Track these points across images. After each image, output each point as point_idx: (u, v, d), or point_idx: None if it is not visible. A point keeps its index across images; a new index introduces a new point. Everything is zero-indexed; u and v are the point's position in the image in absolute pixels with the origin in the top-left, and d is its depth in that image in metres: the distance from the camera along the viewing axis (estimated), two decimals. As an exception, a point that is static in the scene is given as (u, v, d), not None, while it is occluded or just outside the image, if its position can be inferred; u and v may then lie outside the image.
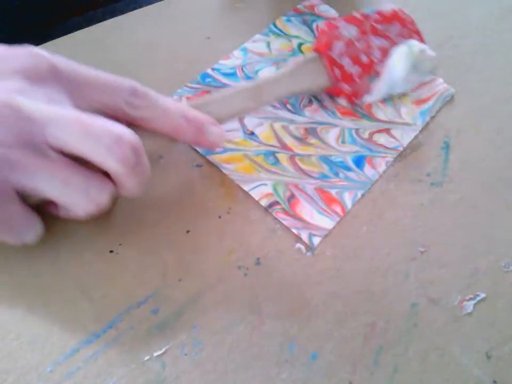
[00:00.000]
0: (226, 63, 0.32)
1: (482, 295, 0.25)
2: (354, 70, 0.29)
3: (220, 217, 0.26)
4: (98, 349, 0.22)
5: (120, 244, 0.24)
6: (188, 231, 0.25)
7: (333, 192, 0.27)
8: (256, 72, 0.32)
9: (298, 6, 0.36)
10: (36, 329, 0.22)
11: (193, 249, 0.25)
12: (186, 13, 0.35)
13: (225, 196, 0.27)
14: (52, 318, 0.22)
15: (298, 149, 0.29)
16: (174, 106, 0.23)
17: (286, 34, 0.34)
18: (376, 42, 0.29)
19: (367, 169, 0.28)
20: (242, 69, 0.32)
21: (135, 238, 0.25)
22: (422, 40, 0.31)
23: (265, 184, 0.27)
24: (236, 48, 0.33)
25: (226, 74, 0.31)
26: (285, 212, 0.26)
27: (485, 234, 0.27)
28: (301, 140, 0.29)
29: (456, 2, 0.39)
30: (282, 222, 0.26)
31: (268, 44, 0.34)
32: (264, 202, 0.26)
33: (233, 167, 0.28)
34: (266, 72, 0.32)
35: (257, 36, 0.34)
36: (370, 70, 0.29)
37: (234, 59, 0.32)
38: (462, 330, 0.24)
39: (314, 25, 0.35)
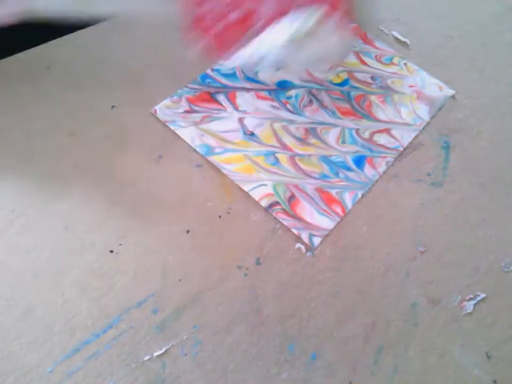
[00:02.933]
0: (226, 64, 0.32)
1: (482, 295, 0.25)
2: (224, 20, 0.23)
3: (220, 217, 0.26)
4: (98, 349, 0.22)
5: (120, 244, 0.24)
6: (188, 231, 0.25)
7: (333, 192, 0.27)
8: (256, 72, 0.32)
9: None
10: (36, 329, 0.22)
11: (193, 249, 0.25)
12: (186, 13, 0.35)
13: (225, 195, 0.27)
14: (52, 318, 0.22)
15: (298, 149, 0.29)
16: None
17: (286, 35, 0.34)
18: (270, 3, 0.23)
19: (367, 169, 0.28)
20: (242, 70, 0.32)
21: (135, 238, 0.25)
22: (339, 21, 0.24)
23: (265, 185, 0.27)
24: (236, 48, 0.33)
25: (226, 75, 0.31)
26: (285, 212, 0.26)
27: (485, 234, 0.27)
28: (301, 140, 0.29)
29: (456, 2, 0.39)
30: (283, 222, 0.26)
31: (268, 44, 0.34)
32: (264, 203, 0.26)
33: (233, 167, 0.28)
34: (267, 72, 0.32)
35: (257, 36, 0.34)
36: (246, 26, 0.24)
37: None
38: (462, 330, 0.24)
39: None
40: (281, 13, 0.23)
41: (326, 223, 0.26)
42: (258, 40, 0.24)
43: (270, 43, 0.24)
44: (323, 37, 0.24)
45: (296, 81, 0.32)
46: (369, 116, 0.31)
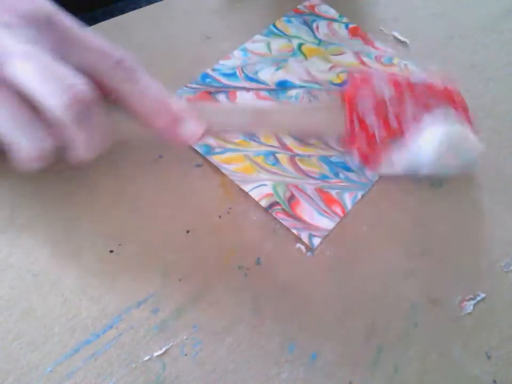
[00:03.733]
0: (227, 63, 0.32)
1: (482, 295, 0.25)
2: (378, 131, 0.26)
3: (220, 217, 0.26)
4: (98, 349, 0.22)
5: (120, 244, 0.24)
6: (188, 231, 0.25)
7: (333, 192, 0.27)
8: (256, 72, 0.32)
9: (299, 7, 0.36)
10: (36, 329, 0.22)
11: (193, 249, 0.25)
12: (186, 13, 0.35)
13: (225, 195, 0.27)
14: (52, 318, 0.22)
15: (298, 149, 0.29)
16: (157, 89, 0.22)
17: (286, 35, 0.34)
18: (412, 107, 0.26)
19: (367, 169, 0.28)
20: (242, 69, 0.32)
21: (135, 238, 0.25)
22: (469, 124, 0.27)
23: (265, 185, 0.27)
24: (235, 48, 0.33)
25: (226, 75, 0.31)
26: (285, 212, 0.26)
27: (485, 234, 0.27)
28: (301, 140, 0.29)
29: (456, 2, 0.39)
30: (282, 222, 0.26)
31: (268, 44, 0.34)
32: (264, 203, 0.26)
33: (233, 167, 0.28)
34: (267, 72, 0.32)
35: (257, 36, 0.34)
36: (396, 134, 0.26)
37: (235, 59, 0.32)
38: (462, 330, 0.24)
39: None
40: (418, 117, 0.26)
41: (326, 223, 0.26)
42: (413, 148, 0.26)
43: (423, 151, 0.26)
44: (469, 145, 0.27)
45: (296, 82, 0.32)
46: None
